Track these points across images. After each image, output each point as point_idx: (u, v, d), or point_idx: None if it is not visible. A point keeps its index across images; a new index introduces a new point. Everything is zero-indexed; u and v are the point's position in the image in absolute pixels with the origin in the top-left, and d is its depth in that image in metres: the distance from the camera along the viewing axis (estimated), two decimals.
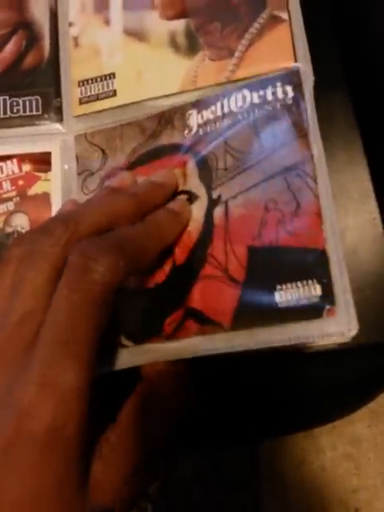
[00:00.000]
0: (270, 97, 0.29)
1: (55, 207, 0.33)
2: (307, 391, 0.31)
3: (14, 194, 0.34)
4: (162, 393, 0.25)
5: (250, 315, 0.26)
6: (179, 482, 0.31)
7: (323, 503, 0.31)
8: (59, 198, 0.33)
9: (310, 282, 0.25)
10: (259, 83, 0.30)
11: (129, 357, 0.27)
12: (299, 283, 0.25)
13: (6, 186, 0.34)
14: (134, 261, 0.23)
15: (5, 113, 0.35)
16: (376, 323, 0.31)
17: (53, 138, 0.35)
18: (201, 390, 0.31)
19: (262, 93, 0.30)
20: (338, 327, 0.24)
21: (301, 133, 0.28)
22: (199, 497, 0.31)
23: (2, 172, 0.34)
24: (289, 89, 0.29)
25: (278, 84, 0.29)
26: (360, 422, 0.32)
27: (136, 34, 0.35)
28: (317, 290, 0.25)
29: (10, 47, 0.36)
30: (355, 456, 0.31)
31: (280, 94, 0.29)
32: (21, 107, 0.35)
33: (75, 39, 0.36)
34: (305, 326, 0.24)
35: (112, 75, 0.35)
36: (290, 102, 0.29)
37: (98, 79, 0.35)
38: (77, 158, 0.34)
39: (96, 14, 0.36)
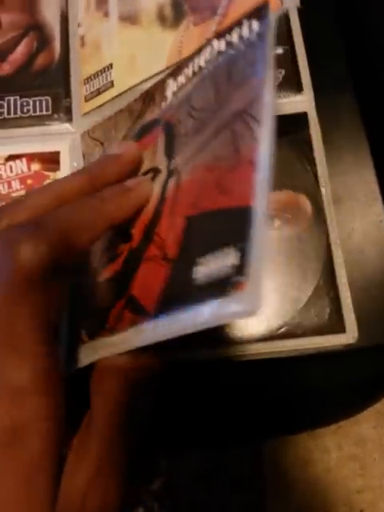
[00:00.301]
0: (235, 39, 0.25)
1: None
2: (311, 392, 0.32)
3: (22, 192, 0.34)
4: (133, 390, 0.23)
5: (172, 298, 0.22)
6: (184, 482, 0.31)
7: (328, 503, 0.31)
8: None
9: (226, 249, 0.19)
10: (227, 29, 0.25)
11: (85, 353, 0.25)
12: (217, 252, 0.20)
13: (15, 184, 0.34)
14: (63, 241, 0.21)
15: (15, 113, 0.35)
16: (382, 324, 0.31)
17: (62, 137, 0.35)
18: (203, 389, 0.31)
19: (228, 38, 0.25)
20: (242, 305, 0.18)
21: (256, 69, 0.23)
22: (204, 496, 0.31)
23: (12, 171, 0.34)
24: (255, 24, 0.24)
25: (245, 22, 0.24)
26: (366, 423, 0.32)
27: (129, 18, 0.35)
28: (232, 259, 0.19)
29: (22, 49, 0.36)
30: (360, 456, 0.31)
31: (245, 33, 0.24)
32: (31, 107, 0.35)
33: (82, 38, 0.36)
34: (214, 306, 0.19)
35: (110, 66, 0.35)
36: (254, 38, 0.24)
37: (99, 73, 0.35)
38: (83, 155, 0.34)
39: (97, 11, 0.36)
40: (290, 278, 0.32)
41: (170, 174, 0.26)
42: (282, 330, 0.31)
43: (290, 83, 0.35)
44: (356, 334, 0.31)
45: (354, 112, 0.34)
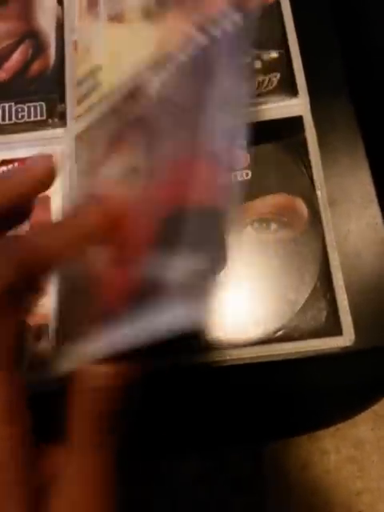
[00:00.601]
0: (216, 32, 0.24)
1: (55, 210, 0.33)
2: (308, 394, 0.32)
3: None
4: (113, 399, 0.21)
5: (140, 302, 0.21)
6: (185, 483, 0.31)
7: (327, 505, 0.31)
8: (59, 200, 0.34)
9: (191, 253, 0.19)
10: (208, 21, 0.25)
11: (66, 359, 0.24)
12: (184, 256, 0.19)
13: None
14: (21, 267, 0.20)
15: (10, 119, 0.35)
16: (379, 326, 0.31)
17: (57, 141, 0.35)
18: (201, 392, 0.31)
19: (208, 30, 0.25)
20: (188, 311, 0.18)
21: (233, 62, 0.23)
22: (204, 497, 0.31)
23: None
24: (237, 17, 0.24)
25: (227, 14, 0.24)
26: (364, 425, 0.32)
27: (116, 17, 0.35)
28: (197, 264, 0.19)
29: (17, 56, 0.36)
30: (359, 459, 0.32)
31: (227, 26, 0.24)
32: (26, 113, 0.35)
33: (75, 43, 0.36)
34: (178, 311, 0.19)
35: (99, 67, 0.35)
36: (235, 31, 0.24)
37: (88, 75, 0.35)
38: (75, 159, 0.34)
39: (89, 14, 0.36)
40: (287, 281, 0.32)
41: (148, 173, 0.25)
42: (280, 333, 0.31)
43: (286, 87, 0.35)
44: (353, 337, 0.31)
45: (349, 115, 0.34)
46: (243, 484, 0.31)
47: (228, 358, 0.31)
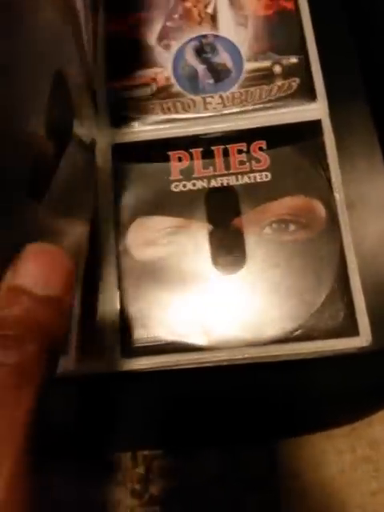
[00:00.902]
0: None
1: None
2: (325, 394, 0.32)
3: None
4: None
5: None
6: (198, 482, 0.32)
7: (341, 505, 0.31)
8: None
9: None
10: None
11: None
12: None
13: None
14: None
15: None
16: None
17: None
18: (217, 390, 0.32)
19: None
20: None
21: None
22: (218, 496, 0.31)
23: None
24: None
25: None
26: (379, 425, 0.32)
27: None
28: None
29: None
30: (374, 459, 0.32)
31: None
32: None
33: None
34: None
35: None
36: None
37: None
38: None
39: None
40: (305, 282, 0.32)
41: None
42: (297, 332, 0.32)
43: (305, 91, 0.35)
44: (370, 337, 0.31)
45: (367, 119, 0.35)
46: (257, 483, 0.32)
47: (246, 356, 0.32)
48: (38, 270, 0.18)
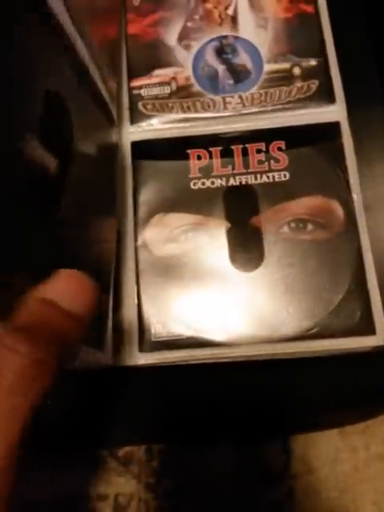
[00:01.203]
0: None
1: None
2: (340, 391, 0.32)
3: None
4: None
5: None
6: (212, 477, 0.32)
7: (356, 503, 0.31)
8: None
9: None
10: None
11: None
12: None
13: None
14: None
15: None
16: None
17: None
18: (232, 386, 0.32)
19: None
20: None
21: None
22: (232, 491, 0.32)
23: None
24: None
25: None
26: None
27: None
28: None
29: None
30: None
31: None
32: None
33: None
34: None
35: None
36: None
37: None
38: None
39: None
40: (322, 281, 0.33)
41: None
42: (313, 330, 0.32)
43: (324, 94, 0.36)
44: None
45: None
46: (271, 479, 0.32)
47: (262, 352, 0.32)
48: (65, 289, 0.21)
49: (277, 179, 0.35)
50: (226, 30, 0.38)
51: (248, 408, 0.32)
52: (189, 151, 0.36)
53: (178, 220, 0.35)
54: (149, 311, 0.33)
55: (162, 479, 0.34)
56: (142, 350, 0.33)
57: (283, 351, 0.32)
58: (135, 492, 0.34)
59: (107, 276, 0.31)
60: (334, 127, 0.35)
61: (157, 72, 0.38)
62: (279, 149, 0.35)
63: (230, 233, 0.34)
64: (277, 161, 0.35)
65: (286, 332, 0.32)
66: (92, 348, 0.27)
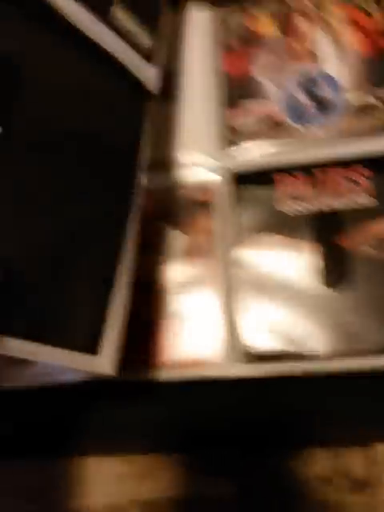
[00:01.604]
0: None
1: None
2: None
3: None
4: None
5: None
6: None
7: None
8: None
9: None
10: None
11: None
12: None
13: None
14: None
15: None
16: None
17: None
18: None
19: None
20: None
21: None
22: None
23: None
24: None
25: None
26: None
27: None
28: None
29: None
30: None
31: None
32: None
33: None
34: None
35: None
36: None
37: None
38: None
39: None
40: None
41: None
42: None
43: None
44: None
45: None
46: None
47: (354, 366, 0.35)
48: None
49: (361, 204, 0.37)
50: (308, 64, 0.41)
51: (329, 417, 0.34)
52: (276, 177, 0.39)
53: (269, 241, 0.38)
54: (241, 325, 0.36)
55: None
56: (235, 360, 0.36)
57: (370, 365, 0.35)
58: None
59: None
60: None
61: (246, 104, 0.41)
62: (363, 176, 0.38)
63: (316, 253, 0.37)
64: (361, 186, 0.37)
65: (370, 347, 0.35)
66: (84, 353, 0.29)
